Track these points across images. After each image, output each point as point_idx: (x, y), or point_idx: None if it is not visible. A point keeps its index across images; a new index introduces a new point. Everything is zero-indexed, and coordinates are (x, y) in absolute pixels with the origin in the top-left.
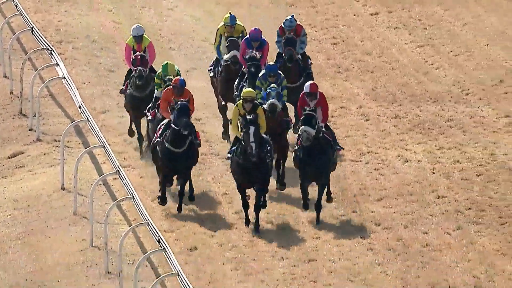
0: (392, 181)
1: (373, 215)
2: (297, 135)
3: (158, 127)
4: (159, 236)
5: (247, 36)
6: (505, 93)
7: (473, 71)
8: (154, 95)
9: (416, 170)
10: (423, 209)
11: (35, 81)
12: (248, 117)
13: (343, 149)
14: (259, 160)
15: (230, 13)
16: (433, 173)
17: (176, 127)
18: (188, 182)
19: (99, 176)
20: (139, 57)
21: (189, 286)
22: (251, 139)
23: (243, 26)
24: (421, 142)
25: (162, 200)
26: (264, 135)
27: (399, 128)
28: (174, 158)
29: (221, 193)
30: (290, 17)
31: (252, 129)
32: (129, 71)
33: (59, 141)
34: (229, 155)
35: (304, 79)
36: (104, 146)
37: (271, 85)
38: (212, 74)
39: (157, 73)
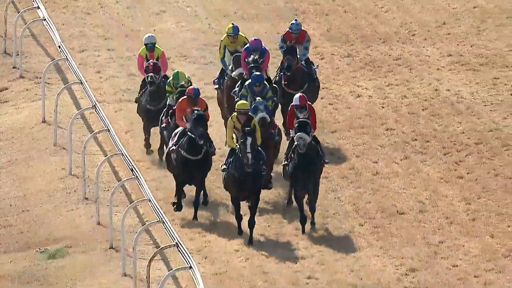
0: (345, 115)
1: (328, 146)
2: (287, 146)
3: (173, 134)
4: (132, 165)
5: (248, 45)
6: (447, 34)
7: (418, 14)
8: (167, 103)
9: (367, 104)
10: (373, 140)
11: (18, 22)
12: (246, 128)
13: (328, 163)
14: (254, 173)
15: (233, 24)
16: (383, 107)
17: (192, 136)
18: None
19: (77, 110)
20: (151, 64)
21: (159, 210)
22: (248, 149)
23: (245, 37)
24: (371, 79)
25: (178, 207)
26: (259, 148)
27: (351, 66)
28: (190, 166)
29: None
30: (294, 21)
31: (249, 140)
32: (144, 81)
33: (40, 78)
34: (224, 166)
35: (309, 85)
36: (82, 83)
37: (257, 99)
38: (216, 86)
39: (168, 81)
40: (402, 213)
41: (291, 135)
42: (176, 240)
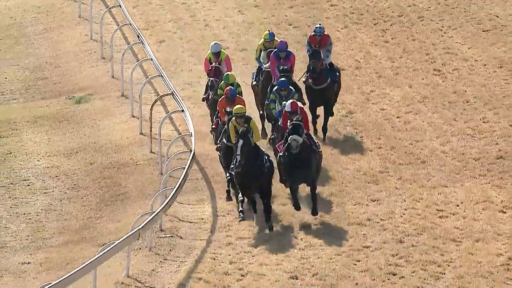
0: None
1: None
2: (282, 144)
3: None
4: (138, 32)
5: (275, 49)
6: None
7: None
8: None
9: None
10: (320, 14)
11: None
12: (239, 130)
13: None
14: (251, 169)
15: (269, 31)
16: None
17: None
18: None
19: None
20: (213, 68)
21: (159, 67)
22: (238, 152)
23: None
24: None
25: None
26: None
27: None
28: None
29: None
30: (318, 25)
31: (240, 142)
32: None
33: None
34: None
35: (330, 82)
36: None
37: (283, 103)
38: (254, 82)
39: (220, 84)
40: (343, 69)
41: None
42: (172, 90)
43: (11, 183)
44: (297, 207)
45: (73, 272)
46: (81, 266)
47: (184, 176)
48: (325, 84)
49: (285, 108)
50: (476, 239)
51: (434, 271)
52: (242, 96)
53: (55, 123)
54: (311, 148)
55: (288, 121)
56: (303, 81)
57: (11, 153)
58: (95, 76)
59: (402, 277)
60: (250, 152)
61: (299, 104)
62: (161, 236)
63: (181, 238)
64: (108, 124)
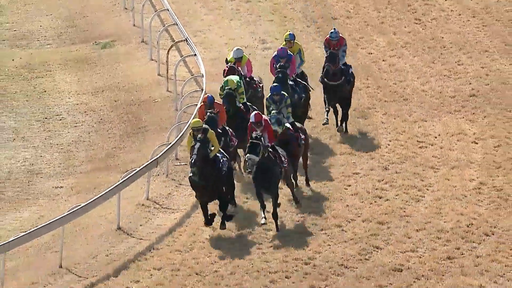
0: None
1: None
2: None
3: None
4: None
5: (275, 53)
6: None
7: None
8: None
9: None
10: None
11: None
12: (197, 136)
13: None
14: (206, 180)
15: (289, 32)
16: None
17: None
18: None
19: None
20: (228, 68)
21: (174, 15)
22: (194, 152)
23: (300, 45)
24: None
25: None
26: (218, 154)
27: None
28: None
29: None
30: (333, 29)
31: (197, 145)
32: None
33: None
34: (190, 174)
35: (344, 80)
36: None
37: (272, 112)
38: None
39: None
40: (335, 18)
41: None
42: (186, 36)
43: (46, 118)
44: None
45: (99, 195)
46: (107, 190)
47: (196, 112)
48: (340, 81)
49: (250, 119)
50: (452, 166)
51: (415, 194)
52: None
53: (83, 65)
54: (274, 162)
55: (253, 132)
56: (319, 81)
57: (45, 91)
58: (118, 24)
59: (387, 200)
60: (206, 160)
61: (264, 116)
62: (176, 164)
63: None
64: (129, 66)
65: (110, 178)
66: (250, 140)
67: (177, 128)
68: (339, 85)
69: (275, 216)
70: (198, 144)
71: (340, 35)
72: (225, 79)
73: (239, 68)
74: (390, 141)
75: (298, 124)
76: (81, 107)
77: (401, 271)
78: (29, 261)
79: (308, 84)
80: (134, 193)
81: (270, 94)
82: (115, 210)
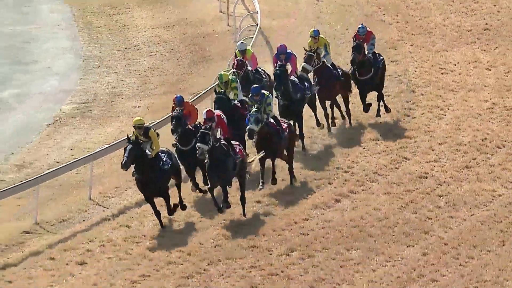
0: None
1: None
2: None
3: None
4: None
5: (277, 51)
6: None
7: None
8: None
9: None
10: None
11: None
12: (129, 136)
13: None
14: (146, 178)
15: (314, 27)
16: None
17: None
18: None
19: None
20: (237, 62)
21: None
22: (125, 154)
23: (326, 39)
24: None
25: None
26: (161, 154)
27: None
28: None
29: None
30: (361, 25)
31: (129, 146)
32: None
33: None
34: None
35: (374, 72)
36: None
37: (251, 111)
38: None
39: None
40: None
41: None
42: None
43: (125, 48)
44: (218, 210)
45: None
46: None
47: (253, 42)
48: (370, 74)
49: (202, 116)
50: (469, 89)
51: (438, 113)
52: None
53: (157, 3)
54: (226, 153)
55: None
56: (351, 73)
57: (125, 26)
58: None
59: (414, 118)
60: (143, 160)
61: (216, 112)
62: None
63: None
64: (196, 4)
65: None
66: (200, 131)
67: None
68: (370, 78)
69: (242, 200)
70: (129, 146)
71: (368, 29)
72: (219, 73)
73: (245, 60)
74: (416, 68)
75: (281, 120)
76: (155, 39)
77: (426, 178)
78: (112, 168)
79: (343, 70)
80: (200, 111)
81: (251, 94)
82: None
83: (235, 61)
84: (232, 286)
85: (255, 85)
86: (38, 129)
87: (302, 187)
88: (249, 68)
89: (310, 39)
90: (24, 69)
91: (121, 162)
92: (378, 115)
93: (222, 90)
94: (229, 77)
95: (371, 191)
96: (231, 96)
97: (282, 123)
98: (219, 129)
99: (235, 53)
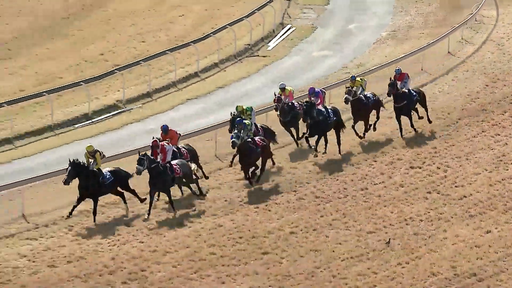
0: None
1: None
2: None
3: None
4: None
5: (308, 92)
6: None
7: None
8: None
9: None
10: None
11: None
12: (72, 160)
13: (175, 174)
14: (87, 188)
15: (352, 75)
16: None
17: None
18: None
19: None
20: (276, 98)
21: None
22: (66, 173)
23: (361, 81)
24: None
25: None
26: (104, 171)
27: None
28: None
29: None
30: (397, 68)
31: (69, 168)
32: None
33: None
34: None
35: (407, 102)
36: None
37: (235, 132)
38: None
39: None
40: None
41: None
42: None
43: None
44: (148, 213)
45: None
46: None
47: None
48: (402, 104)
49: (150, 142)
50: None
51: None
52: None
53: None
54: (164, 171)
55: (141, 152)
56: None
57: None
58: None
59: None
60: (85, 174)
61: (162, 143)
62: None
63: None
64: None
65: None
66: (138, 156)
67: None
68: (401, 107)
69: (171, 203)
70: (69, 168)
71: (402, 71)
72: (237, 105)
73: (283, 96)
74: None
75: (256, 138)
76: None
77: None
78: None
79: (376, 98)
80: None
81: (237, 124)
82: None
83: (276, 97)
84: None
85: (238, 118)
86: None
87: None
88: (286, 101)
89: (350, 81)
90: None
91: (63, 180)
92: (415, 130)
93: (237, 114)
94: (244, 108)
95: None
96: (246, 121)
97: (257, 141)
98: (160, 154)
99: (275, 93)
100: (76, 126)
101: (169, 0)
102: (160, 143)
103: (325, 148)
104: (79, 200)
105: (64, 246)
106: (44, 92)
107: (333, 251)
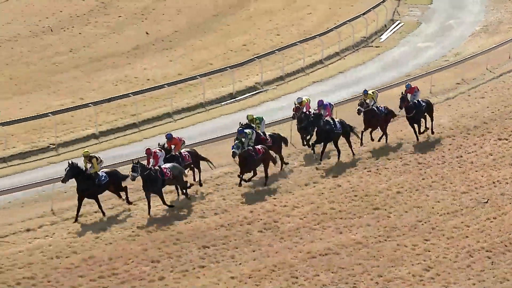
0: None
1: None
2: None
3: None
4: None
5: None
6: None
7: None
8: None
9: None
10: None
11: None
12: (69, 163)
13: (165, 176)
14: (83, 190)
15: (364, 89)
16: None
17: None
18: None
19: None
20: (295, 107)
21: None
22: (64, 173)
23: (372, 94)
24: None
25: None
26: (99, 173)
27: None
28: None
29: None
30: (407, 84)
31: (67, 168)
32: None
33: None
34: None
35: (416, 112)
36: None
37: (236, 142)
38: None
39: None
40: None
41: None
42: None
43: None
44: (148, 212)
45: None
46: None
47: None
48: (411, 114)
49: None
50: None
51: None
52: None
53: None
54: (155, 176)
55: (135, 160)
56: (400, 109)
57: None
58: None
59: None
60: (82, 176)
61: (153, 149)
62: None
63: None
64: None
65: None
66: (132, 164)
67: None
68: (412, 116)
69: (163, 202)
70: (68, 168)
71: (412, 86)
72: (247, 114)
73: (302, 106)
74: None
75: (258, 146)
76: None
77: None
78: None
79: (388, 109)
80: None
81: (238, 134)
82: None
83: (294, 107)
84: None
85: (240, 128)
86: None
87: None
88: (304, 110)
89: (362, 95)
90: None
91: (61, 179)
92: (432, 132)
93: (246, 124)
94: (254, 117)
95: None
96: (247, 130)
97: (257, 149)
98: (153, 160)
99: (295, 103)
100: (223, 103)
101: (299, 1)
102: (152, 150)
103: (338, 155)
104: (79, 202)
105: (213, 201)
106: (197, 75)
107: (433, 208)
